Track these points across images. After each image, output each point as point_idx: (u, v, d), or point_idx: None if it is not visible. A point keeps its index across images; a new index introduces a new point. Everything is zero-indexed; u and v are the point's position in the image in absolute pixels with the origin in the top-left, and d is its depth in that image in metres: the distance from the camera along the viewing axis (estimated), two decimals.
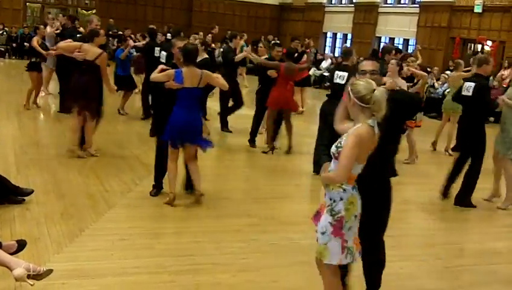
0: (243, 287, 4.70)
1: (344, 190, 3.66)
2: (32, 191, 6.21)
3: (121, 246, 5.27)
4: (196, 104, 6.44)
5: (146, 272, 4.76)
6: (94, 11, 29.03)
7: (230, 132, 11.25)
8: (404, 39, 24.74)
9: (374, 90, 3.56)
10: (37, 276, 3.90)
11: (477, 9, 20.84)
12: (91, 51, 7.96)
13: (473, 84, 7.54)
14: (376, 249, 4.33)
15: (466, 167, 7.66)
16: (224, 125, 11.41)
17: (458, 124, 8.19)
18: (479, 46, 21.24)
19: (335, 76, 8.09)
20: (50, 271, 4.00)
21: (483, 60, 7.71)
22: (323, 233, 3.70)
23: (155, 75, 6.31)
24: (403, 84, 8.01)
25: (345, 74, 7.92)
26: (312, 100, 16.95)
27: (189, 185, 6.91)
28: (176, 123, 6.26)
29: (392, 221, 7.13)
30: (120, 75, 12.30)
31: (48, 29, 12.96)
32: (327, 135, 8.28)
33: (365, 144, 3.59)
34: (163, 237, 5.63)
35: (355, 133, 3.57)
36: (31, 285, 3.84)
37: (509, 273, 5.58)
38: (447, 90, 11.52)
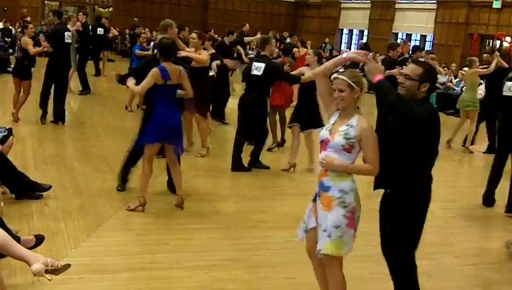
0: (258, 283, 4.71)
1: (353, 180, 3.70)
2: (50, 187, 6.27)
3: (137, 242, 5.31)
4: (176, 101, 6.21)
5: (161, 267, 4.79)
6: (111, 9, 29.25)
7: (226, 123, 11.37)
8: (421, 35, 24.58)
9: None
10: (55, 271, 3.94)
11: (496, 4, 20.63)
12: None
13: None
14: (401, 270, 3.93)
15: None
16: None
17: (490, 124, 8.04)
18: (498, 43, 21.03)
19: (252, 68, 8.07)
20: (68, 266, 4.03)
21: None
22: (337, 227, 3.63)
23: (139, 88, 6.00)
24: None
25: (262, 65, 7.92)
26: None
27: (172, 185, 6.65)
28: (163, 122, 5.96)
29: None
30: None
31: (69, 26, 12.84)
32: (247, 131, 8.09)
33: None
34: (178, 233, 5.65)
35: (369, 125, 3.66)
36: (49, 280, 3.88)
37: None
38: (464, 87, 11.41)
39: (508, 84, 7.66)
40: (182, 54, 7.40)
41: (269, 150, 9.43)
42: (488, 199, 7.48)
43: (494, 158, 7.67)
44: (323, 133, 3.77)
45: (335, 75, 3.74)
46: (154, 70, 5.87)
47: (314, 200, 3.88)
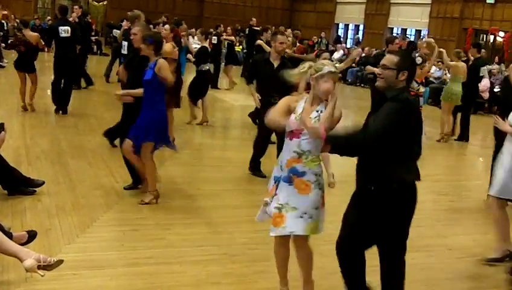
0: (255, 277, 4.69)
1: (321, 163, 3.97)
2: (43, 183, 6.22)
3: (132, 237, 5.27)
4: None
5: (157, 262, 4.76)
6: (105, 3, 29.10)
7: None
8: (416, 30, 24.59)
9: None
10: (48, 267, 3.91)
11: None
12: None
13: None
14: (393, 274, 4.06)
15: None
16: None
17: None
18: (491, 37, 21.07)
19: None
20: (60, 262, 4.01)
21: None
22: (316, 208, 3.88)
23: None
24: None
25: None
26: None
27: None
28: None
29: None
30: None
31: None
32: None
33: None
34: (174, 227, 5.62)
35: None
36: (42, 276, 3.86)
37: None
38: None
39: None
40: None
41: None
42: None
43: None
44: (294, 123, 3.84)
45: (328, 69, 3.79)
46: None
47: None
